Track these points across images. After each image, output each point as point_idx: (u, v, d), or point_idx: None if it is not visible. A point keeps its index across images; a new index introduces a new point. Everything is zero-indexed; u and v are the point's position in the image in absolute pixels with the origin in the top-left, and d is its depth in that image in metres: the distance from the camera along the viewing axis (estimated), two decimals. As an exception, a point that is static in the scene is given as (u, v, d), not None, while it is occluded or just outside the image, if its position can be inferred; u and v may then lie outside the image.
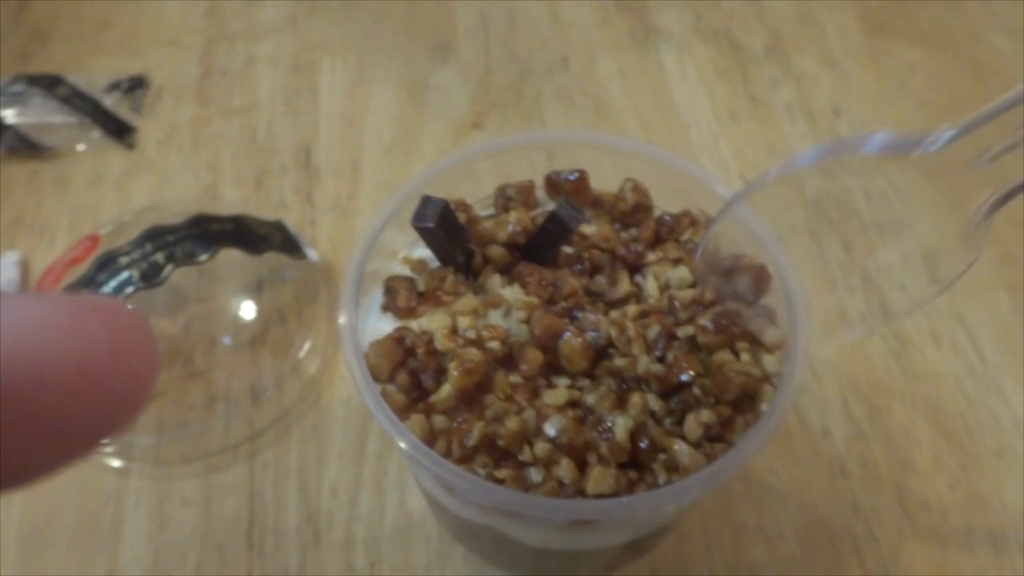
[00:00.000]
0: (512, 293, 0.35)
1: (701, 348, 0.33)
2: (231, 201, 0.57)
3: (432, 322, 0.34)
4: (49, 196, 0.59)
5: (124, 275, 0.46)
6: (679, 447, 0.30)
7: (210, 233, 0.49)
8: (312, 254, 0.53)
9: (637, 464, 0.31)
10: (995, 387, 0.51)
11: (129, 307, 0.17)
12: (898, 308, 0.30)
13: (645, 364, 0.32)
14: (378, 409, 0.31)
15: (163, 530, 0.45)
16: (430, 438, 0.31)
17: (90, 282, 0.46)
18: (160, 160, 0.61)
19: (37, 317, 0.15)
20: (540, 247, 0.36)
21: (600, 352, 0.33)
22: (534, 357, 0.32)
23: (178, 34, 0.69)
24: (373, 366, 0.33)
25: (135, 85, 0.64)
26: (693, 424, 0.31)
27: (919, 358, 0.52)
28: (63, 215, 0.58)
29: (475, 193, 0.39)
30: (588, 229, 0.37)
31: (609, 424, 0.30)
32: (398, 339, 0.33)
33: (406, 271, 0.37)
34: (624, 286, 0.35)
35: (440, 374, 0.32)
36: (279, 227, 0.53)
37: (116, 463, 0.47)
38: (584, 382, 0.33)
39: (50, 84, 0.62)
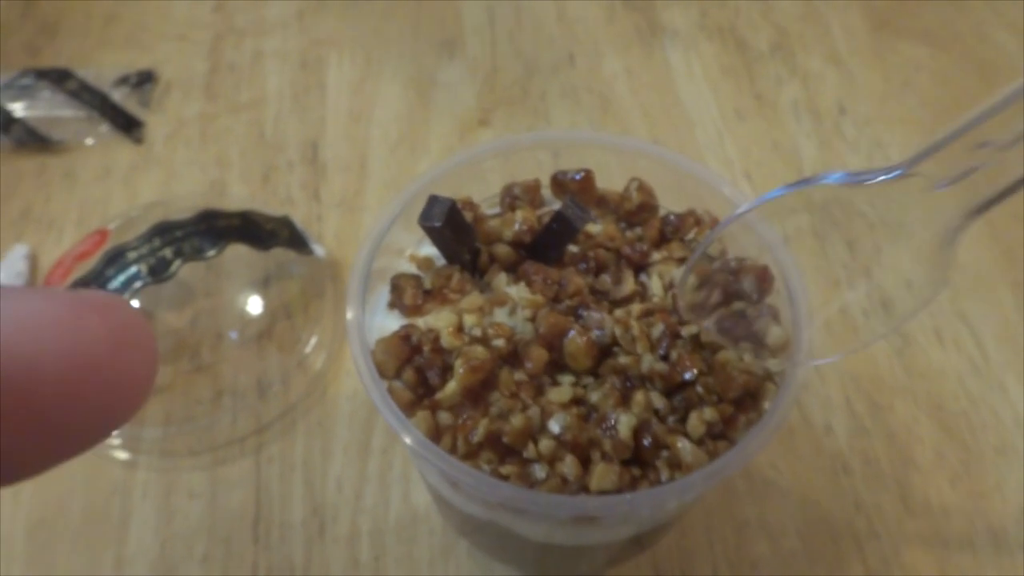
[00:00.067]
0: (518, 291, 0.35)
1: (704, 347, 0.33)
2: (238, 197, 0.58)
3: (438, 320, 0.34)
4: (57, 190, 0.59)
5: (132, 270, 0.46)
6: (682, 444, 0.31)
7: (218, 229, 0.49)
8: (319, 250, 0.54)
9: (640, 461, 0.31)
10: (997, 384, 0.51)
11: (129, 304, 0.17)
12: (901, 309, 0.30)
13: (649, 362, 0.33)
14: (384, 405, 0.31)
15: (170, 522, 0.46)
16: (435, 434, 0.32)
17: (99, 276, 0.46)
18: (168, 155, 0.61)
19: (35, 312, 0.15)
20: (546, 246, 0.36)
21: (604, 350, 0.33)
22: (539, 355, 0.33)
23: (186, 29, 0.69)
24: (380, 363, 0.33)
25: (143, 80, 0.64)
26: (696, 422, 0.31)
27: (922, 355, 0.52)
28: (71, 209, 0.58)
29: (482, 192, 0.39)
30: (593, 228, 0.37)
31: (613, 421, 0.31)
32: (404, 336, 0.33)
33: (413, 269, 0.37)
34: (629, 285, 0.35)
35: (446, 371, 0.33)
36: (286, 223, 0.53)
37: (123, 455, 0.48)
38: (588, 380, 0.33)
39: (59, 78, 0.62)
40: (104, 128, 0.61)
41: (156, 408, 0.49)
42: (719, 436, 0.32)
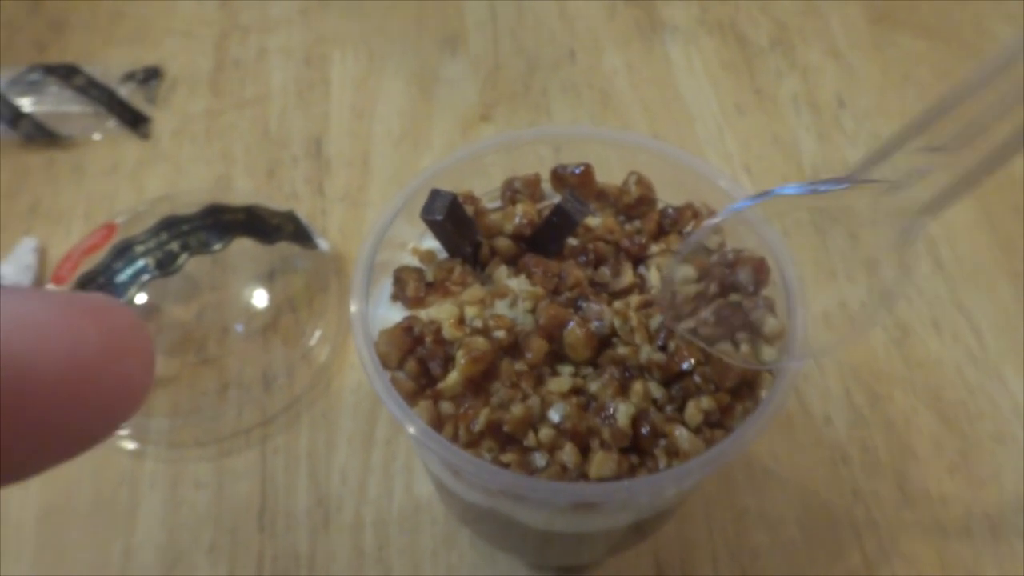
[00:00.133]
0: (518, 284, 0.35)
1: (703, 338, 0.34)
2: (244, 191, 0.58)
3: (440, 311, 0.34)
4: (66, 184, 0.60)
5: (140, 263, 0.47)
6: (679, 433, 0.31)
7: (224, 223, 0.50)
8: (323, 244, 0.54)
9: (639, 449, 0.32)
10: (995, 374, 0.52)
11: (126, 307, 0.17)
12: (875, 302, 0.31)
13: (647, 353, 0.33)
14: (387, 395, 0.32)
15: (177, 511, 0.47)
16: (437, 424, 0.32)
17: (107, 269, 0.47)
18: (174, 150, 0.62)
19: (29, 314, 0.15)
20: (546, 239, 0.37)
21: (603, 341, 0.34)
22: (539, 346, 0.33)
23: (192, 26, 0.70)
24: (383, 354, 0.33)
25: (150, 76, 0.65)
26: (693, 411, 0.32)
27: (920, 346, 0.53)
28: (79, 203, 0.59)
29: (483, 186, 0.40)
30: (593, 221, 0.38)
31: (611, 410, 0.31)
32: (407, 328, 0.34)
33: (415, 262, 0.37)
34: (627, 277, 0.36)
35: (448, 362, 0.33)
36: (291, 217, 0.54)
37: (131, 446, 0.48)
38: (588, 370, 0.34)
39: (66, 74, 0.63)
40: (111, 123, 0.62)
41: (163, 400, 0.50)
42: (716, 425, 0.33)
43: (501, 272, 0.36)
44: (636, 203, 0.39)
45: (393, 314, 0.36)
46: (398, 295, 0.36)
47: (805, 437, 0.49)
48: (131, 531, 0.46)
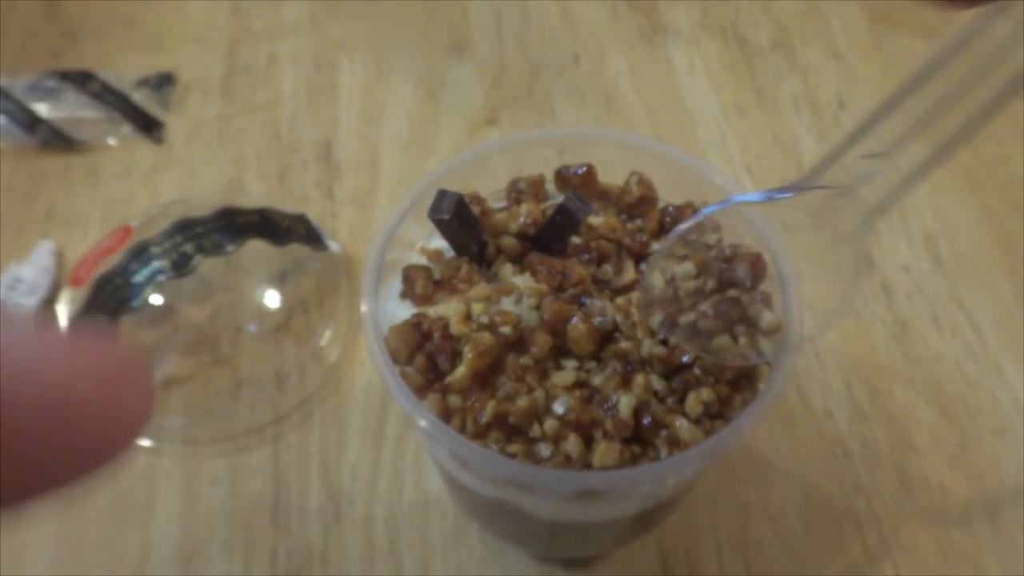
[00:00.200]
0: (523, 281, 0.36)
1: (701, 332, 0.35)
2: (255, 195, 0.59)
3: (448, 308, 0.35)
4: (82, 188, 0.61)
5: (156, 264, 0.48)
6: (680, 423, 0.32)
7: (237, 225, 0.51)
8: (333, 246, 0.56)
9: (640, 440, 0.33)
10: (995, 368, 0.52)
11: (122, 343, 0.17)
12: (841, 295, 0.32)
13: (648, 347, 0.34)
14: (398, 389, 0.33)
15: (193, 507, 0.48)
16: (446, 416, 0.33)
17: (124, 270, 0.48)
18: (187, 155, 0.63)
19: (22, 350, 0.15)
20: (550, 238, 0.38)
21: (606, 336, 0.35)
22: (543, 341, 0.34)
23: (204, 32, 0.71)
24: (392, 349, 0.34)
25: (163, 81, 0.66)
26: (693, 402, 0.33)
27: (920, 341, 0.53)
28: (95, 206, 0.60)
29: (488, 187, 0.41)
30: (595, 220, 0.39)
31: (614, 402, 0.32)
32: (415, 324, 0.35)
33: (423, 261, 0.38)
34: (629, 274, 0.37)
35: (455, 357, 0.34)
36: (302, 220, 0.55)
37: (148, 443, 0.49)
38: (591, 364, 0.35)
39: (82, 80, 0.64)
40: (126, 129, 0.63)
41: (178, 399, 0.51)
42: (716, 416, 0.34)
43: (507, 270, 0.37)
44: (638, 202, 0.40)
45: (402, 311, 0.37)
46: (407, 293, 0.37)
47: (806, 431, 0.50)
48: (148, 526, 0.47)
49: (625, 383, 0.34)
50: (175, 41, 0.70)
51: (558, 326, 0.34)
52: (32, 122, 0.62)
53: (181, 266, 0.49)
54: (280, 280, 0.55)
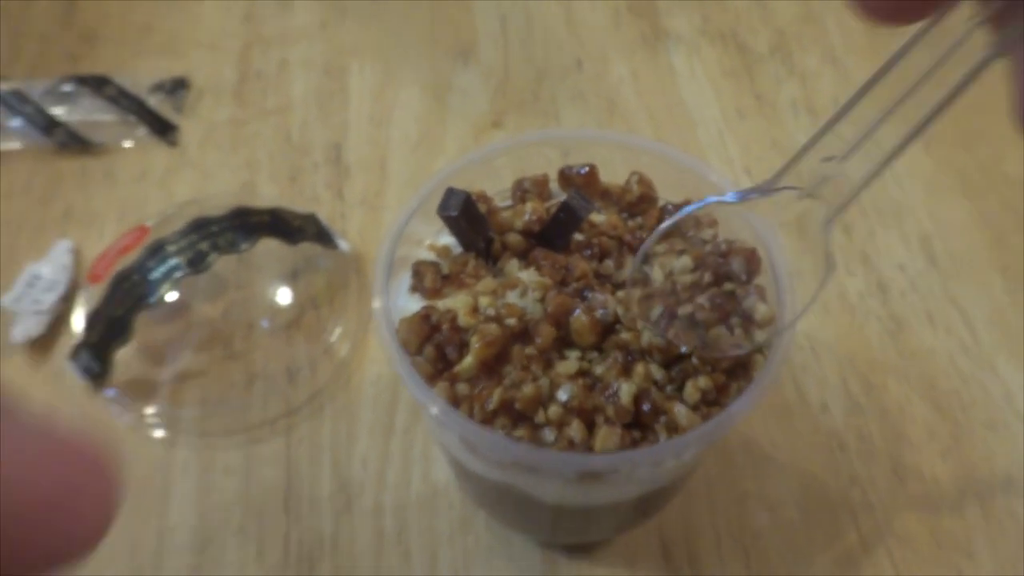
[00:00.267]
0: (528, 275, 0.38)
1: (699, 324, 0.36)
2: (267, 196, 0.61)
3: (456, 301, 0.37)
4: (98, 189, 0.62)
5: (172, 261, 0.50)
6: (678, 409, 0.34)
7: (250, 224, 0.53)
8: (343, 245, 0.57)
9: (640, 425, 0.34)
10: (987, 364, 0.54)
11: (92, 440, 0.17)
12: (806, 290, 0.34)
13: (648, 338, 0.36)
14: (409, 377, 0.34)
15: (208, 495, 0.49)
16: (454, 403, 0.35)
17: (141, 267, 0.50)
18: (201, 157, 0.65)
19: None
20: (553, 234, 0.39)
21: (607, 328, 0.36)
22: (548, 332, 0.36)
23: (217, 39, 0.72)
24: (404, 340, 0.36)
25: (177, 86, 0.68)
26: (691, 390, 0.34)
27: (914, 338, 0.55)
28: (111, 207, 0.61)
29: (494, 186, 0.42)
30: (597, 218, 0.40)
31: (615, 389, 0.34)
32: (425, 316, 0.36)
33: (432, 256, 0.40)
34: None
35: (463, 347, 0.35)
36: (313, 220, 0.56)
37: (164, 435, 0.51)
38: (593, 355, 0.36)
39: (98, 84, 0.66)
40: (141, 132, 0.65)
41: (194, 392, 0.52)
42: (713, 403, 0.35)
43: (512, 265, 0.39)
44: (638, 201, 0.41)
45: (412, 304, 0.38)
46: (417, 287, 0.39)
47: (803, 425, 0.52)
48: (165, 514, 0.48)
49: (626, 372, 0.35)
50: (189, 47, 0.72)
51: (561, 318, 0.36)
52: (50, 125, 0.64)
53: (197, 263, 0.50)
54: (292, 278, 0.56)
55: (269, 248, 0.54)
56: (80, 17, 0.74)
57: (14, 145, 0.64)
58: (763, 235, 0.37)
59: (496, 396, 0.34)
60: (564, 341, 0.36)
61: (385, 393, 0.53)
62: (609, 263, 0.39)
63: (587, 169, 0.41)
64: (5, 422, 0.15)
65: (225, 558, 0.47)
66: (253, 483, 0.49)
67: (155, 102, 0.66)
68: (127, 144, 0.65)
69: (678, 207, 0.41)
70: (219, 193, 0.61)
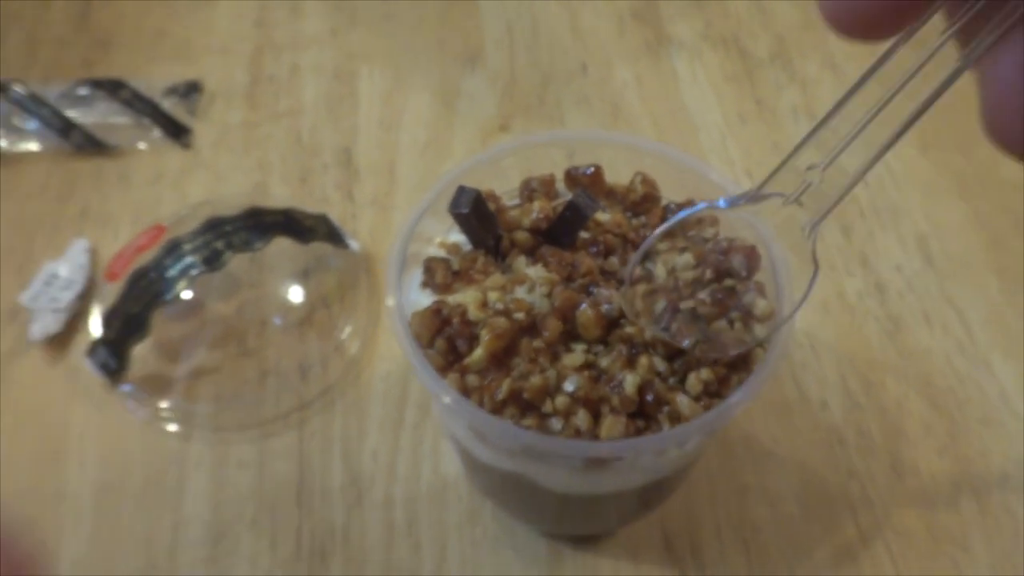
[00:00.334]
0: (535, 272, 0.39)
1: (701, 318, 0.38)
2: (279, 197, 0.62)
3: (466, 296, 0.38)
4: (113, 190, 0.64)
5: (188, 260, 0.51)
6: (681, 399, 0.35)
7: (264, 224, 0.54)
8: (353, 244, 0.58)
9: (644, 415, 0.35)
10: (983, 363, 0.55)
11: (19, 557, 0.17)
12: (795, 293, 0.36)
13: (652, 333, 0.37)
14: (422, 368, 0.36)
15: (222, 488, 0.50)
16: (465, 394, 0.36)
17: (158, 265, 0.51)
18: (214, 159, 0.66)
19: None
20: (560, 232, 0.40)
21: (612, 322, 0.37)
22: (554, 326, 0.37)
23: (229, 43, 0.74)
24: (416, 333, 0.37)
25: (190, 90, 0.69)
26: (694, 381, 0.36)
27: (912, 337, 0.56)
28: (126, 208, 0.63)
29: (502, 186, 0.43)
30: (602, 216, 0.41)
31: (620, 380, 0.35)
32: (436, 310, 0.37)
33: (442, 253, 0.41)
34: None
35: (473, 340, 0.36)
36: (324, 220, 0.58)
37: (179, 430, 0.52)
38: (598, 348, 0.37)
39: (113, 88, 0.67)
40: (155, 134, 0.66)
41: (208, 388, 0.53)
42: (714, 395, 0.36)
43: (520, 262, 0.40)
44: (642, 200, 0.43)
45: (423, 299, 0.39)
46: (428, 282, 0.40)
47: (803, 421, 0.53)
48: (179, 507, 0.49)
49: (630, 364, 0.36)
50: (201, 52, 0.73)
51: (568, 312, 0.37)
52: (66, 127, 0.65)
53: (212, 262, 0.51)
54: (303, 277, 0.58)
55: (281, 248, 0.55)
56: (95, 22, 0.76)
57: (32, 147, 0.65)
58: (763, 233, 0.39)
59: (505, 386, 0.35)
60: (570, 335, 0.37)
61: (395, 389, 0.54)
62: (614, 260, 0.40)
63: (593, 169, 0.43)
64: None
65: (239, 550, 0.48)
66: (266, 477, 0.50)
67: (169, 105, 0.68)
68: (142, 146, 0.66)
69: (680, 206, 0.42)
70: (232, 194, 0.62)
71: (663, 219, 0.42)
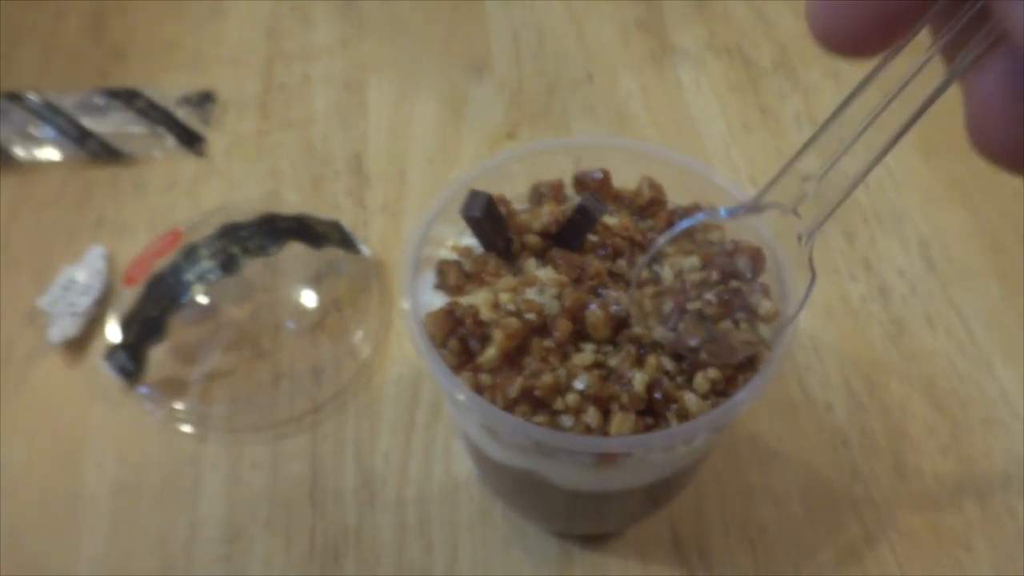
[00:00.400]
0: (545, 274, 0.40)
1: (707, 319, 0.39)
2: (291, 203, 0.63)
3: (477, 298, 0.39)
4: (129, 198, 0.65)
5: (206, 264, 0.52)
6: (688, 397, 0.36)
7: (278, 229, 0.55)
8: (365, 250, 0.59)
9: (653, 412, 0.36)
10: (984, 365, 0.55)
11: None
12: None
13: (660, 334, 0.38)
14: (437, 367, 0.37)
15: (237, 489, 0.51)
16: (478, 391, 0.37)
17: (176, 269, 0.52)
18: (227, 167, 0.67)
19: None
20: (569, 235, 0.41)
21: (621, 322, 0.38)
22: (564, 326, 0.37)
23: (241, 54, 0.75)
24: (430, 333, 0.38)
25: (204, 99, 0.70)
26: (701, 380, 0.36)
27: (915, 340, 0.57)
28: (142, 215, 0.64)
29: (509, 192, 0.44)
30: (610, 220, 0.42)
31: (629, 378, 0.36)
32: (449, 311, 0.38)
33: (454, 256, 0.42)
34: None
35: (485, 340, 0.37)
36: (337, 227, 0.59)
37: (194, 431, 0.53)
38: (607, 348, 0.38)
39: (128, 97, 0.68)
40: (169, 143, 0.67)
41: (223, 390, 0.54)
42: (721, 394, 0.37)
43: (530, 264, 0.41)
44: (648, 204, 0.44)
45: (436, 300, 0.40)
46: (440, 284, 0.41)
47: (808, 423, 0.53)
48: (195, 507, 0.50)
49: (639, 363, 0.37)
50: (214, 62, 0.75)
51: (577, 313, 0.38)
52: (82, 136, 0.66)
53: (229, 266, 0.53)
54: (316, 281, 0.59)
55: (294, 253, 0.56)
56: (109, 34, 0.77)
57: (49, 155, 0.67)
58: (766, 236, 0.39)
59: (517, 385, 0.36)
60: (580, 335, 0.38)
61: (406, 392, 0.55)
62: (622, 262, 0.41)
63: (601, 174, 0.44)
64: None
65: (253, 550, 0.49)
66: (280, 477, 0.51)
67: (183, 114, 0.69)
68: (156, 155, 0.67)
69: (686, 209, 0.43)
70: (246, 200, 0.63)
71: (669, 222, 0.43)
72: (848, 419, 0.53)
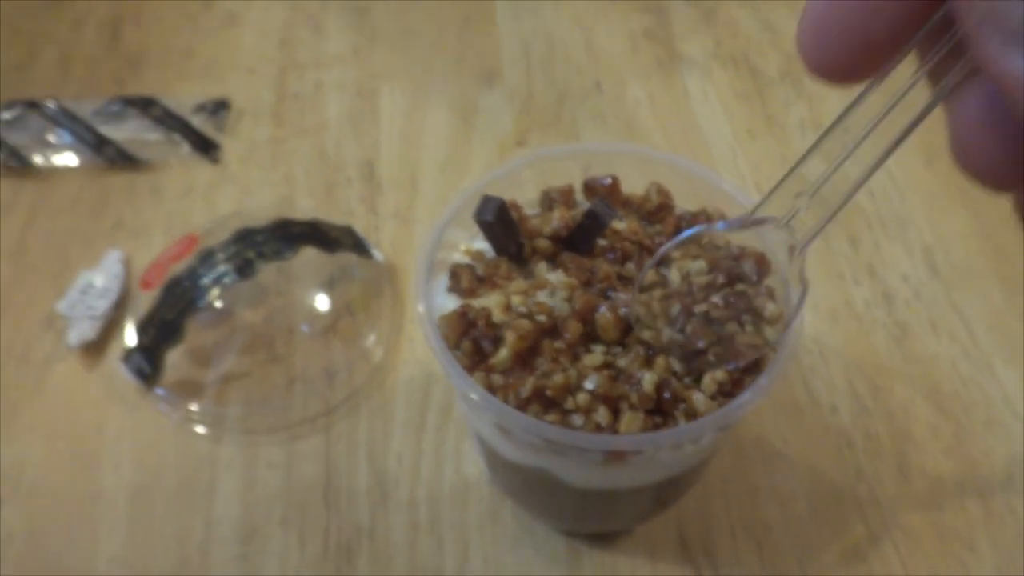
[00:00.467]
0: (556, 277, 0.41)
1: (714, 321, 0.40)
2: (305, 209, 0.64)
3: (490, 300, 0.40)
4: (145, 203, 0.66)
5: (221, 268, 0.53)
6: (696, 397, 0.37)
7: (292, 234, 0.56)
8: (377, 255, 0.60)
9: (661, 412, 0.37)
10: (987, 368, 0.56)
11: None
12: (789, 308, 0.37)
13: (668, 336, 0.39)
14: (451, 367, 0.38)
15: (251, 489, 0.51)
16: (490, 391, 0.38)
17: (193, 273, 0.53)
18: (242, 173, 0.68)
19: None
20: (579, 240, 0.42)
21: (630, 325, 0.39)
22: (575, 328, 0.38)
23: (255, 63, 0.76)
24: (443, 335, 0.39)
25: (219, 107, 0.71)
26: (709, 381, 0.37)
27: (918, 343, 0.57)
28: (158, 220, 0.65)
29: (521, 197, 0.45)
30: (619, 225, 0.43)
31: (638, 378, 0.37)
32: (462, 314, 0.39)
33: (467, 260, 0.43)
34: (650, 272, 0.42)
35: (497, 342, 0.38)
36: (350, 232, 0.60)
37: (210, 432, 0.54)
38: (616, 349, 0.39)
39: (144, 105, 0.70)
40: (185, 150, 0.68)
41: (238, 392, 0.55)
42: (728, 395, 0.38)
43: (541, 268, 0.42)
44: (657, 209, 0.45)
45: (449, 303, 0.41)
46: (453, 287, 0.42)
47: (813, 425, 0.54)
48: (211, 507, 0.51)
49: (648, 364, 0.38)
50: (229, 71, 0.76)
51: (587, 315, 0.39)
52: (100, 143, 0.67)
53: (244, 270, 0.54)
54: (329, 286, 0.60)
55: (307, 258, 0.57)
56: (126, 43, 0.78)
57: (66, 162, 0.68)
58: (770, 242, 0.40)
59: (529, 384, 0.37)
60: (590, 336, 0.39)
61: (417, 394, 0.56)
62: (630, 266, 0.42)
63: (610, 180, 0.45)
64: None
65: (268, 548, 0.49)
66: (294, 478, 0.52)
67: (198, 122, 0.70)
68: (172, 161, 0.68)
69: (694, 215, 0.44)
70: (260, 206, 0.64)
71: (677, 227, 0.44)
72: (852, 421, 0.54)
